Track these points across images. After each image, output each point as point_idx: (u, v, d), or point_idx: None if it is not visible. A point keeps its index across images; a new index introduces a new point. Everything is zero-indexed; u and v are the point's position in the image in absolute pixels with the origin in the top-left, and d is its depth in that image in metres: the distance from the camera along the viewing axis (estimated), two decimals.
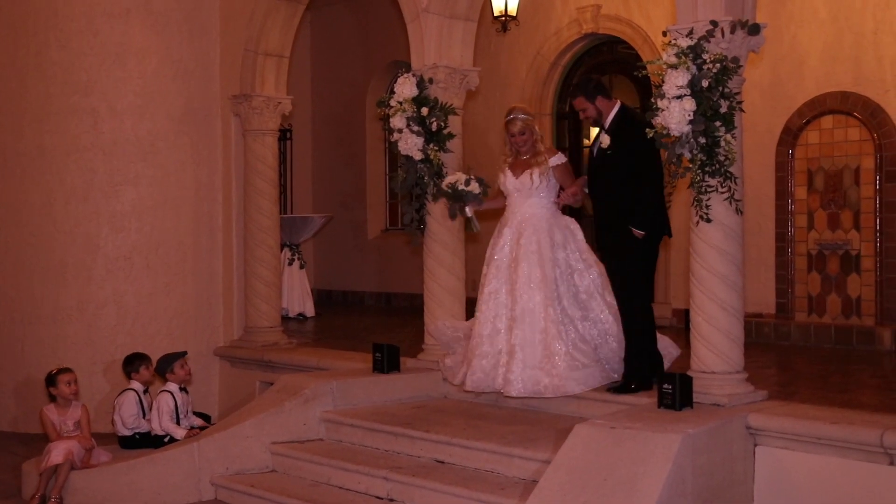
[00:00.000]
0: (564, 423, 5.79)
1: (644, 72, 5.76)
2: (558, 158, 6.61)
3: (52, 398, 6.87)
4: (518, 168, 6.59)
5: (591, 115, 6.23)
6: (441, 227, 7.26)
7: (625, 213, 5.99)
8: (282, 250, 10.13)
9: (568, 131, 11.24)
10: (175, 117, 8.80)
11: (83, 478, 6.54)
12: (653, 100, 5.42)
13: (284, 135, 12.69)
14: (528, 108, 6.84)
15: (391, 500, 5.84)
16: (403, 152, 7.19)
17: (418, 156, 7.13)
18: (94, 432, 6.93)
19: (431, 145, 7.11)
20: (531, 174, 6.50)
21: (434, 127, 7.11)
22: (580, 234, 6.60)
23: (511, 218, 6.59)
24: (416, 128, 7.09)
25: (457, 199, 6.70)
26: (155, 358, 7.44)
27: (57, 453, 6.49)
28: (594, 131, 10.92)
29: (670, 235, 6.26)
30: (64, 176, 8.62)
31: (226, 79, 9.05)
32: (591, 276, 6.50)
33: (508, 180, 6.60)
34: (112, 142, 8.62)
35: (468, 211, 6.75)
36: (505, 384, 6.25)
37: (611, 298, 6.39)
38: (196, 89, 8.91)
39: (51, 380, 6.87)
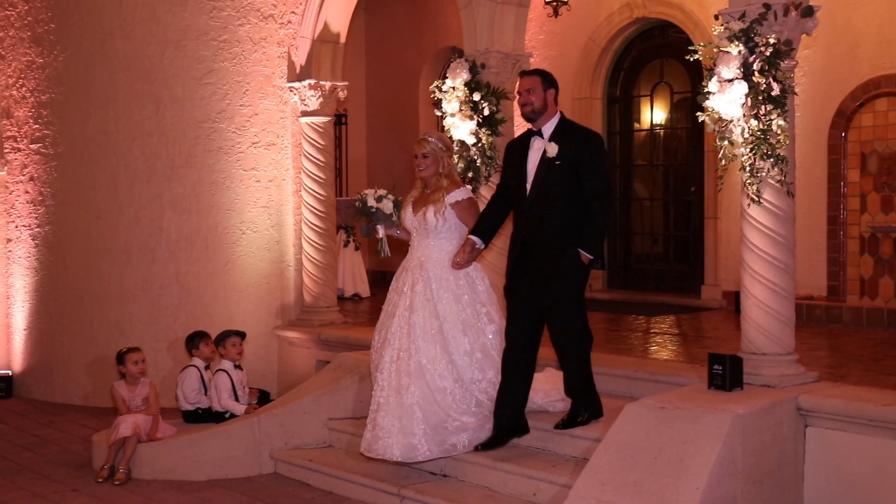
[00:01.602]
0: (615, 403, 5.79)
1: (696, 56, 5.70)
2: (460, 194, 5.88)
3: (122, 375, 7.02)
4: (419, 204, 5.96)
5: (535, 104, 5.57)
6: None
7: (568, 233, 5.43)
8: (337, 232, 10.21)
9: (619, 115, 11.16)
10: (233, 102, 8.89)
11: (149, 450, 6.68)
12: (704, 83, 5.37)
13: (340, 119, 12.76)
14: (446, 139, 6.13)
15: (444, 475, 5.89)
16: (456, 137, 7.21)
17: (470, 140, 7.15)
18: (160, 407, 7.06)
19: (483, 129, 7.12)
20: (425, 213, 5.85)
21: (486, 111, 7.12)
22: (482, 285, 5.91)
23: (409, 260, 6.02)
24: (468, 112, 7.10)
25: (365, 214, 6.11)
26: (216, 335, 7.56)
27: (125, 427, 6.64)
28: (645, 115, 10.91)
29: (604, 267, 5.86)
30: (128, 160, 8.77)
31: (284, 63, 9.11)
32: (487, 333, 5.88)
33: (407, 217, 5.98)
34: (173, 127, 8.75)
35: (380, 231, 6.09)
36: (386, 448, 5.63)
37: (499, 357, 5.78)
38: (254, 73, 8.99)
39: (120, 358, 7.02)
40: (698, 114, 5.44)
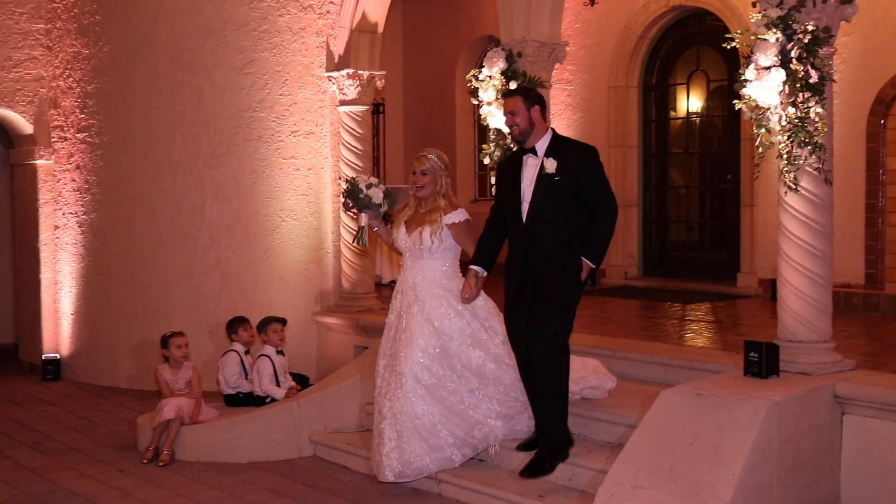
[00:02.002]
0: (650, 390, 5.77)
1: (733, 43, 5.63)
2: (457, 215, 5.70)
3: (166, 359, 7.11)
4: (413, 223, 5.78)
5: (520, 125, 5.38)
6: None
7: (571, 247, 5.27)
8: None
9: (654, 103, 11.06)
10: (273, 91, 8.93)
11: (192, 433, 6.76)
12: (741, 71, 5.31)
13: (377, 108, 12.77)
14: (444, 157, 5.87)
15: (480, 460, 5.90)
16: (493, 125, 7.19)
17: (507, 128, 7.11)
18: (203, 391, 7.14)
19: None
20: (421, 233, 5.68)
21: None
22: (480, 300, 5.74)
23: (402, 281, 5.86)
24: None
25: (352, 198, 5.87)
26: (257, 321, 7.62)
27: (169, 409, 6.73)
28: (681, 103, 10.81)
29: (594, 284, 5.48)
30: (171, 149, 8.85)
31: (323, 53, 9.13)
32: (496, 344, 5.73)
33: (401, 237, 5.80)
34: (214, 116, 8.81)
35: (363, 219, 5.91)
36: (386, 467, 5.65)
37: (513, 361, 5.64)
38: (293, 63, 9.02)
39: (164, 342, 7.11)
40: (735, 101, 5.38)
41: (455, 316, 5.68)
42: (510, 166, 5.53)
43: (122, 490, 6.04)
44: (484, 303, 5.78)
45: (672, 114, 10.95)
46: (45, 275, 9.82)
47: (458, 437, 5.67)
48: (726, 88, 9.95)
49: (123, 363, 9.08)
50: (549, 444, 5.46)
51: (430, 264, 5.74)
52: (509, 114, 5.42)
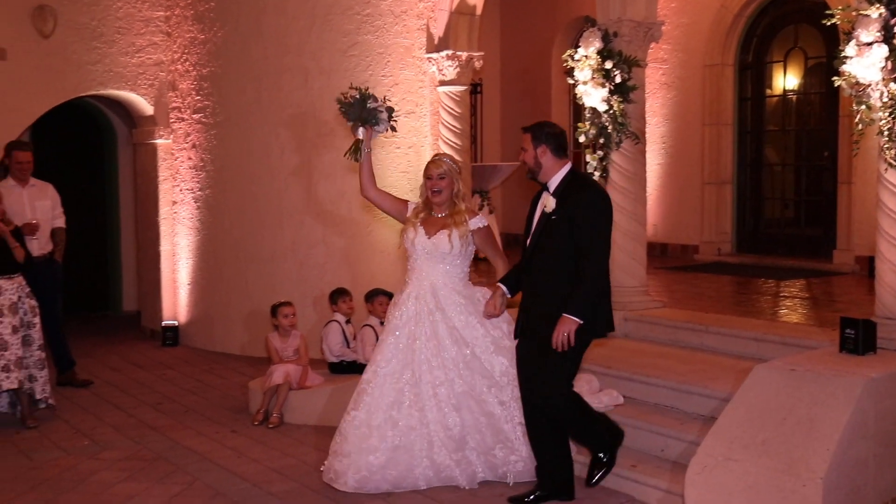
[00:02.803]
0: (743, 364, 5.65)
1: (833, 20, 5.43)
2: (480, 220, 5.43)
3: (275, 327, 7.26)
4: (433, 226, 5.39)
5: (528, 162, 4.99)
6: (623, 177, 7.14)
7: (558, 294, 4.80)
8: (472, 196, 10.24)
9: (750, 81, 10.76)
10: (375, 72, 8.97)
11: (299, 397, 6.89)
12: (841, 47, 5.12)
13: (475, 88, 12.74)
14: (457, 160, 5.68)
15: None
16: (588, 104, 7.10)
17: (602, 107, 7.03)
18: (309, 358, 7.26)
19: (615, 97, 6.98)
20: (449, 236, 5.31)
21: (618, 79, 6.97)
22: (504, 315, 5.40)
23: (416, 286, 5.42)
24: (600, 80, 6.98)
25: (359, 105, 5.33)
26: (358, 293, 7.71)
27: (278, 375, 6.88)
28: (778, 81, 10.48)
29: (611, 329, 5.03)
30: (279, 129, 8.99)
31: (423, 35, 9.14)
32: (499, 361, 5.36)
33: (419, 239, 5.35)
34: (320, 97, 8.89)
35: (360, 132, 5.37)
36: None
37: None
38: (394, 45, 9.04)
39: (273, 312, 7.26)
40: (834, 78, 5.20)
41: (478, 324, 5.35)
42: (535, 198, 5.10)
43: (235, 449, 6.22)
44: (505, 314, 5.40)
45: (768, 91, 10.64)
46: (164, 247, 10.12)
47: (484, 448, 5.36)
48: (825, 65, 9.60)
49: (236, 331, 9.30)
50: (546, 489, 5.07)
51: (450, 270, 5.40)
52: (522, 149, 5.04)
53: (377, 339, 7.20)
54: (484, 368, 5.34)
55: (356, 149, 5.40)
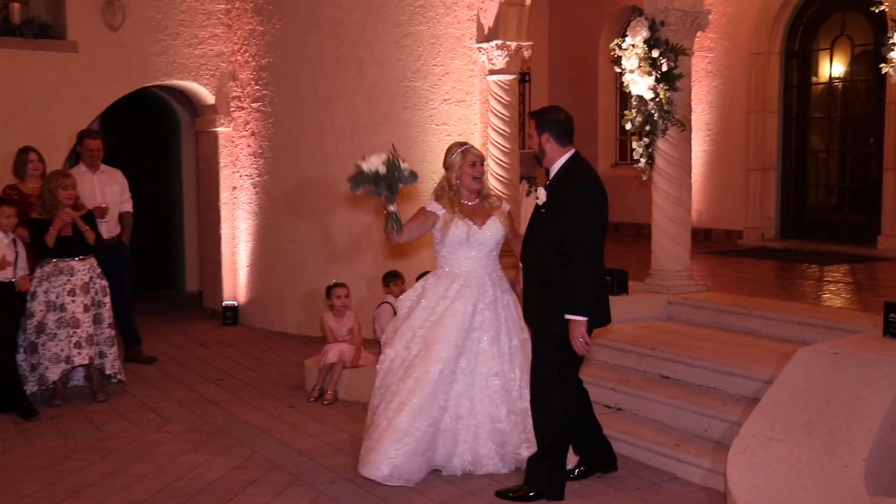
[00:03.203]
0: (786, 347, 5.59)
1: (882, 7, 5.31)
2: (506, 203, 5.32)
3: (330, 308, 7.33)
4: (477, 217, 5.14)
5: (533, 147, 4.82)
6: (668, 163, 7.08)
7: (549, 288, 4.61)
8: (520, 182, 10.21)
9: (796, 68, 10.56)
10: (427, 62, 8.97)
11: (353, 375, 6.95)
12: (889, 34, 5.01)
13: (524, 77, 12.69)
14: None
15: (619, 409, 5.87)
16: (635, 92, 7.04)
17: (648, 95, 6.96)
18: (362, 338, 7.31)
19: (661, 85, 6.91)
20: (500, 221, 5.15)
21: (664, 67, 6.90)
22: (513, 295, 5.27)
23: (469, 276, 5.14)
24: (647, 68, 6.91)
25: (391, 170, 4.89)
26: (409, 276, 7.74)
27: (332, 354, 6.96)
28: (824, 68, 10.27)
29: (608, 321, 4.75)
30: (334, 117, 9.05)
31: (473, 26, 9.11)
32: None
33: (473, 232, 5.09)
34: (374, 86, 8.94)
35: (393, 205, 4.99)
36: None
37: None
38: (445, 35, 9.03)
39: (328, 293, 7.32)
40: (881, 65, 5.09)
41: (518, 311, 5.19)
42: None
43: (291, 424, 6.30)
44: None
45: (814, 79, 10.44)
46: (225, 231, 10.25)
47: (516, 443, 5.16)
48: (871, 53, 9.38)
49: (292, 311, 9.40)
50: (531, 480, 4.79)
51: (495, 256, 5.22)
52: (528, 135, 4.90)
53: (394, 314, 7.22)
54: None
55: (395, 219, 5.05)
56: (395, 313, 7.42)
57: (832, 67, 10.24)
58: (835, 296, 7.16)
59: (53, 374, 6.76)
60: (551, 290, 4.60)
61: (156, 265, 11.64)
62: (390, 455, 4.94)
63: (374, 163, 4.89)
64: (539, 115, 4.80)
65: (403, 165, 4.94)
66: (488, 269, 5.20)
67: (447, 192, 5.23)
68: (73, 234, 6.84)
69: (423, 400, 4.99)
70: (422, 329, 5.14)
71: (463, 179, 5.20)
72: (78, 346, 6.78)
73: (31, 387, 6.79)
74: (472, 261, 5.16)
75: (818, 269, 8.49)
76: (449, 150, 5.32)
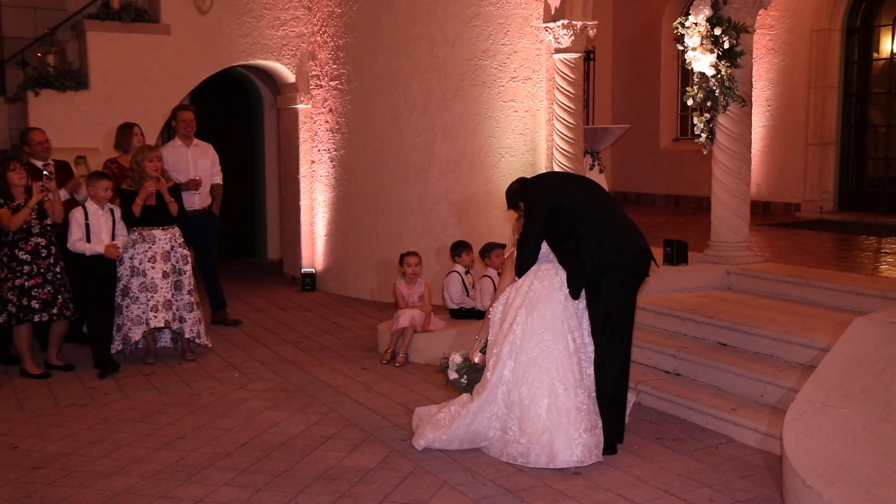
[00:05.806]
0: (843, 317, 5.44)
1: None
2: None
3: (402, 275, 7.37)
4: None
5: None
6: (729, 138, 6.92)
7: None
8: (584, 156, 10.09)
9: (857, 45, 10.18)
10: (496, 41, 8.89)
11: (423, 340, 6.99)
12: None
13: (588, 55, 12.51)
14: None
15: (678, 374, 5.80)
16: (697, 69, 6.87)
17: (710, 72, 6.80)
18: (432, 304, 7.33)
19: (723, 62, 6.74)
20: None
21: (726, 45, 6.72)
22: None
23: (546, 273, 5.01)
24: (709, 46, 6.74)
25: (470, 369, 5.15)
26: (477, 245, 7.74)
27: (404, 319, 7.00)
28: (885, 44, 9.87)
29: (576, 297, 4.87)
30: (407, 94, 9.04)
31: (540, 6, 8.99)
32: None
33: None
34: (445, 64, 8.89)
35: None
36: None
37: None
38: (513, 15, 8.93)
39: (400, 261, 7.34)
40: None
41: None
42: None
43: (365, 384, 6.37)
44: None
45: (875, 55, 10.06)
46: (304, 202, 10.36)
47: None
48: None
49: (366, 278, 9.48)
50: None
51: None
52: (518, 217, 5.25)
53: (494, 288, 7.26)
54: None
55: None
56: (462, 282, 7.47)
57: (894, 43, 9.85)
58: (892, 266, 6.94)
59: (136, 334, 6.89)
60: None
61: (240, 234, 11.84)
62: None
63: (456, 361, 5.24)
64: (510, 196, 5.38)
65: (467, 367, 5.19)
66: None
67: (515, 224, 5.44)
68: (157, 205, 6.96)
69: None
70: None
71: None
72: (154, 309, 6.85)
73: (116, 345, 6.94)
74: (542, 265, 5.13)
75: (875, 241, 8.23)
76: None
